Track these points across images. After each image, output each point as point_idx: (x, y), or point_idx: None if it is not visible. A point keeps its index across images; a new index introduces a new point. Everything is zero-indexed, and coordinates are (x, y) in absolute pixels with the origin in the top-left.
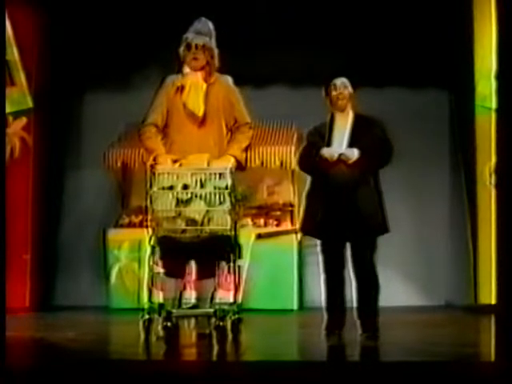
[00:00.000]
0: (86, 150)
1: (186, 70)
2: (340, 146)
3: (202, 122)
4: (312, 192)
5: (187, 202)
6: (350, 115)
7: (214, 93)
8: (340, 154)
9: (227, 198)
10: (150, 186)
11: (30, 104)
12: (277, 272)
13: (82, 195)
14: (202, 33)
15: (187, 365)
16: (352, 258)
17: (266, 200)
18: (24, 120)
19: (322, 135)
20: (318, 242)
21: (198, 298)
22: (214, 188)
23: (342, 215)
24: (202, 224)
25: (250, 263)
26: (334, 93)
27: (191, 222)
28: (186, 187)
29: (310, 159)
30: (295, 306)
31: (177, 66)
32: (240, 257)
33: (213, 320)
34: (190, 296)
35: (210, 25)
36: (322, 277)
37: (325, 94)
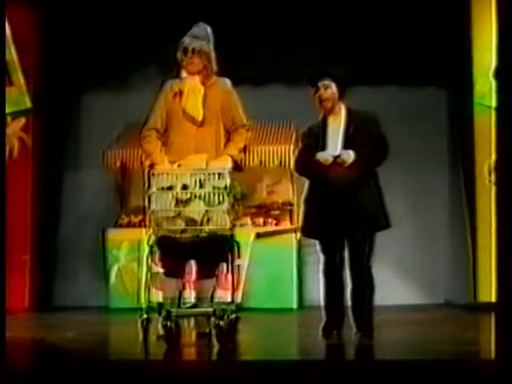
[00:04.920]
0: (84, 150)
1: (184, 74)
2: (335, 147)
3: (200, 124)
4: (310, 195)
5: (186, 202)
6: (343, 113)
7: (212, 95)
8: (335, 157)
9: (226, 198)
10: (148, 187)
11: (29, 104)
12: (276, 271)
13: (80, 195)
14: (199, 37)
15: (187, 364)
16: (349, 258)
17: (265, 199)
18: (22, 120)
19: (316, 136)
20: (318, 242)
21: (198, 298)
22: (213, 188)
23: (342, 216)
24: (201, 224)
25: (250, 262)
26: (316, 95)
27: (191, 221)
28: (185, 187)
29: (306, 163)
30: (295, 305)
31: (175, 70)
32: (239, 256)
33: (212, 319)
34: (190, 296)
35: (208, 29)
36: (321, 278)
37: (313, 95)
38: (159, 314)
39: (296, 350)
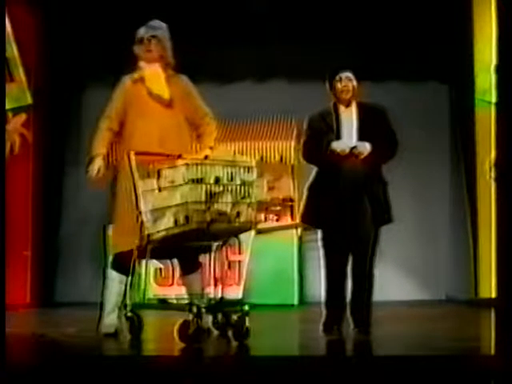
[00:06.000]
0: (85, 146)
1: (142, 64)
2: (350, 138)
3: (168, 105)
4: (317, 184)
5: (218, 194)
6: (354, 105)
7: (174, 82)
8: (352, 148)
9: (254, 192)
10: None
11: (30, 100)
12: (277, 267)
13: (82, 191)
14: (155, 27)
15: (187, 360)
16: (353, 253)
17: (265, 195)
18: (23, 116)
19: (329, 124)
20: (320, 236)
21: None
22: (242, 182)
23: (349, 208)
24: (230, 218)
25: (251, 258)
26: (339, 86)
27: (221, 215)
28: (217, 180)
29: (319, 151)
30: (296, 301)
31: (131, 65)
32: (240, 252)
33: (220, 316)
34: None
35: (162, 23)
36: (323, 272)
37: (329, 87)
38: (190, 310)
39: (297, 345)
